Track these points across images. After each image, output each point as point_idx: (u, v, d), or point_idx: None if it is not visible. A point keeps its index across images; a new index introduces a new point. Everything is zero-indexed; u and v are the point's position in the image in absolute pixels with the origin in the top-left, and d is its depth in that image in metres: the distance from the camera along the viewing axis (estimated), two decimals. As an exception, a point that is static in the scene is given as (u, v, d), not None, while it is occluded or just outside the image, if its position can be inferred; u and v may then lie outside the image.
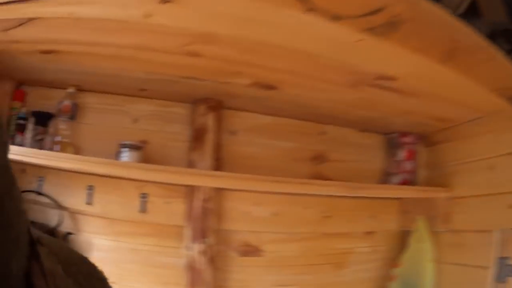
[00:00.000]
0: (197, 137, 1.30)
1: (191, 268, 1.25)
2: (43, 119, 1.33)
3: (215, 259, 1.28)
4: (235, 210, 1.35)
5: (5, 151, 0.21)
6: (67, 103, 1.31)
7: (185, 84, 1.22)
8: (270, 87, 1.22)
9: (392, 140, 1.57)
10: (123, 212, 1.30)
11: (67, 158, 1.15)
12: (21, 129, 1.35)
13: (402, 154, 1.53)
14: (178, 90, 1.28)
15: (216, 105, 1.32)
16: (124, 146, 1.24)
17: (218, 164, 1.29)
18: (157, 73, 1.16)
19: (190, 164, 1.27)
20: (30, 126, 1.31)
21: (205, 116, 1.30)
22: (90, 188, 1.30)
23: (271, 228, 1.41)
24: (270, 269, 1.39)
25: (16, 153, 1.09)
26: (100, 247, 1.29)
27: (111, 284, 0.33)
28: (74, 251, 0.31)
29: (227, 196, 1.33)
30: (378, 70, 1.06)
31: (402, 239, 1.51)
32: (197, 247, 1.25)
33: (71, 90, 1.32)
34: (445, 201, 1.37)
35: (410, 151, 1.53)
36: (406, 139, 1.53)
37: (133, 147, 1.24)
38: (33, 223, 1.30)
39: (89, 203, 1.29)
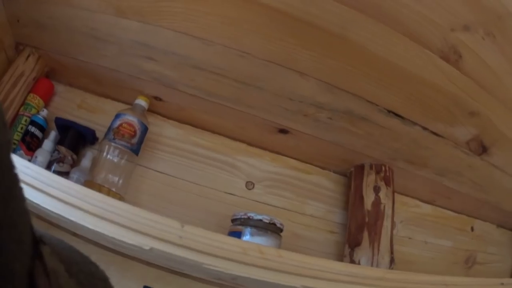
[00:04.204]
0: (363, 224, 0.81)
1: None
2: (75, 137, 0.76)
3: None
4: None
5: (8, 150, 0.21)
6: (130, 119, 0.75)
7: (360, 132, 0.79)
8: (484, 149, 0.81)
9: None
10: None
11: (121, 211, 0.52)
12: (32, 143, 0.75)
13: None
14: (337, 142, 0.83)
15: (389, 176, 0.86)
16: (248, 222, 0.67)
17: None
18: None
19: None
20: (49, 143, 0.75)
21: (378, 194, 0.84)
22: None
23: None
24: None
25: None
26: None
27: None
28: (76, 250, 0.31)
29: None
30: None
31: None
32: None
33: (141, 100, 0.80)
34: None
35: None
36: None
37: (269, 227, 0.67)
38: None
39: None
